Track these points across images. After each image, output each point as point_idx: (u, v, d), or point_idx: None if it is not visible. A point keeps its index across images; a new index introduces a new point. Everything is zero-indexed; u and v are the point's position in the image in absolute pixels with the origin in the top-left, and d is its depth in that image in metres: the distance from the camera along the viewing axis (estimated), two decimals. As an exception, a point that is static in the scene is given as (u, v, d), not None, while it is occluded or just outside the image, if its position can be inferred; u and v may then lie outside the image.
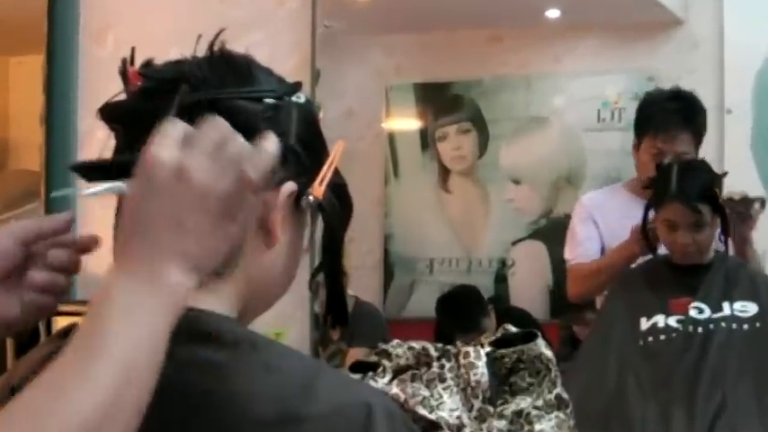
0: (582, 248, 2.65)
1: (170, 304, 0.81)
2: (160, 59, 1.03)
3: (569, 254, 2.69)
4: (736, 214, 2.39)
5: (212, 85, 0.96)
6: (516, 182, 3.65)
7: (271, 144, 0.88)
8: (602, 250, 2.65)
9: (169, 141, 0.83)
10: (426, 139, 3.73)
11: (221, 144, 0.83)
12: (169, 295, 0.80)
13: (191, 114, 0.92)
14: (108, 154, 1.02)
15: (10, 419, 0.73)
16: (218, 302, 0.95)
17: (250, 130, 0.93)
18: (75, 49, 2.76)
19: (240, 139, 0.85)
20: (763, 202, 2.41)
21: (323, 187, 0.99)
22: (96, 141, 2.61)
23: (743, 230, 2.43)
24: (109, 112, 1.00)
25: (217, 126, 0.85)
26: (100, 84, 2.67)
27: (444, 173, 3.69)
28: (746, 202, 2.40)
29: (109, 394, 0.75)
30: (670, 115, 2.55)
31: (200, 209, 0.82)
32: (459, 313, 3.08)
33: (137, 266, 0.80)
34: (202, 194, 0.82)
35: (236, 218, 0.84)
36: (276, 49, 2.54)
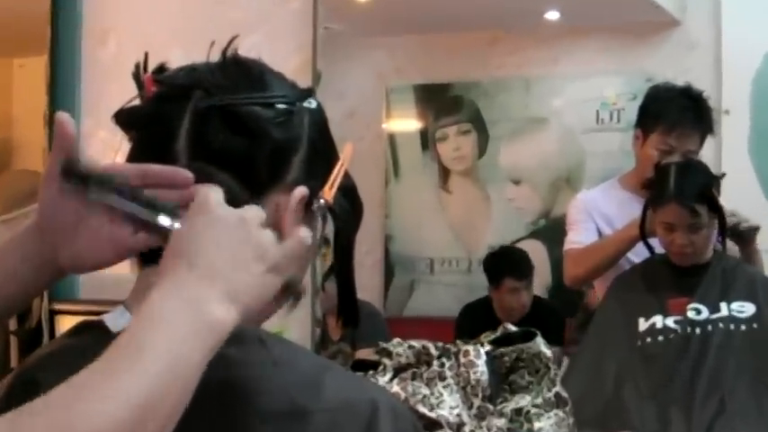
0: (580, 237, 2.62)
1: (208, 333, 0.80)
2: (162, 60, 1.04)
3: (567, 244, 2.65)
4: (740, 238, 2.42)
5: (226, 90, 0.98)
6: (516, 182, 3.66)
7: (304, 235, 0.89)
8: None
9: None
10: (426, 140, 3.74)
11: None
12: (209, 325, 0.80)
13: (205, 120, 0.95)
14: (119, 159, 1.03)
15: (61, 400, 0.74)
16: None
17: (263, 135, 0.96)
18: (77, 50, 2.76)
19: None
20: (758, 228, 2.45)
21: (333, 191, 1.01)
22: (98, 142, 2.63)
23: (749, 253, 2.46)
24: (124, 118, 1.01)
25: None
26: (102, 85, 2.68)
27: (444, 173, 3.70)
28: (753, 230, 2.43)
29: (152, 391, 0.75)
30: (684, 112, 2.52)
31: (256, 255, 0.84)
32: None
33: (184, 289, 0.81)
34: (262, 245, 0.85)
35: (283, 273, 0.86)
36: (277, 50, 2.54)
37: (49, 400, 0.73)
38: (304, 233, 0.89)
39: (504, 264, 3.28)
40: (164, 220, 0.87)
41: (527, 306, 3.17)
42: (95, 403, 0.73)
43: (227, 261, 0.83)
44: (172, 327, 0.79)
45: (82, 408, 0.73)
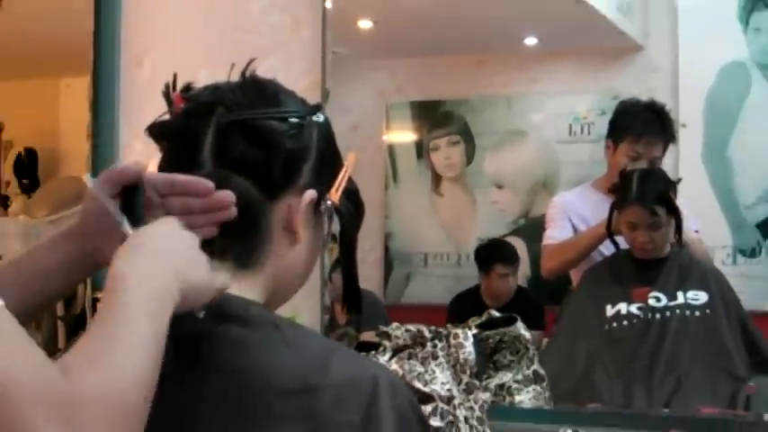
0: (556, 233, 2.64)
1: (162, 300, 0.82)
2: (191, 80, 1.04)
3: (545, 239, 2.67)
4: None
5: (245, 107, 0.98)
6: (499, 186, 3.65)
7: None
8: None
9: None
10: (421, 150, 3.73)
11: None
12: (161, 293, 0.82)
13: (226, 132, 0.95)
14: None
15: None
16: (249, 290, 0.98)
17: (277, 146, 0.95)
18: (116, 71, 2.75)
19: None
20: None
21: (339, 193, 1.01)
22: (135, 153, 2.65)
23: None
24: (157, 130, 1.01)
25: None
26: (138, 102, 2.68)
27: (437, 179, 3.69)
28: None
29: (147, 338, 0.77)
30: (650, 124, 2.55)
31: (193, 260, 0.87)
32: None
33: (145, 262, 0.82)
34: (201, 261, 0.89)
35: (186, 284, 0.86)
36: (291, 72, 2.54)
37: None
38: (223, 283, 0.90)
39: (494, 252, 3.31)
40: (126, 227, 0.92)
41: (513, 291, 3.17)
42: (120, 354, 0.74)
43: (173, 248, 0.85)
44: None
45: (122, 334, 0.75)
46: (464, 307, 3.17)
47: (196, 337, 0.89)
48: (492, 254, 3.31)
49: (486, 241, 3.46)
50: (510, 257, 3.23)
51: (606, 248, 2.49)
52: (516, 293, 3.19)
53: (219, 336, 0.90)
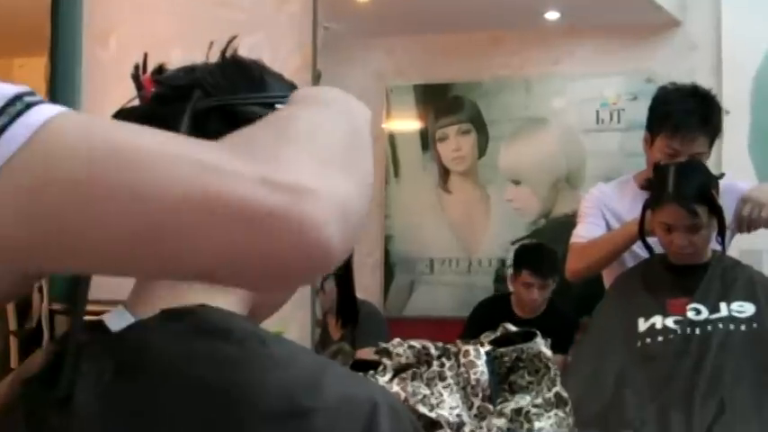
0: (585, 231, 2.61)
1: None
2: (163, 61, 1.05)
3: (573, 237, 2.63)
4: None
5: (225, 90, 0.98)
6: (516, 182, 3.66)
7: None
8: None
9: None
10: (426, 140, 3.75)
11: None
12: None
13: (204, 119, 0.95)
14: None
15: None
16: (230, 301, 0.98)
17: None
18: (78, 51, 2.76)
19: None
20: None
21: None
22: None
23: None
24: (124, 118, 1.01)
25: None
26: (103, 86, 2.69)
27: (444, 173, 3.70)
28: None
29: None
30: (689, 116, 2.48)
31: None
32: None
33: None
34: None
35: None
36: (278, 51, 2.55)
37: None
38: None
39: (528, 256, 3.28)
40: None
41: (537, 303, 3.16)
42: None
43: None
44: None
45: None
46: (487, 318, 3.17)
47: (173, 354, 0.90)
48: (524, 257, 3.29)
49: (531, 244, 3.45)
50: (541, 267, 3.19)
51: (642, 250, 2.48)
52: (547, 309, 3.18)
53: (199, 351, 0.91)
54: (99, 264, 0.71)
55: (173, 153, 0.70)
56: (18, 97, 0.70)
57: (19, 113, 0.69)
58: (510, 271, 3.28)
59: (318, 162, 0.73)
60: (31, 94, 0.71)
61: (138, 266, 0.74)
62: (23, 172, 0.68)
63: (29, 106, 0.70)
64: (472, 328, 2.92)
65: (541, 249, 3.34)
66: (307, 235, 0.68)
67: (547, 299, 3.18)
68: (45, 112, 0.70)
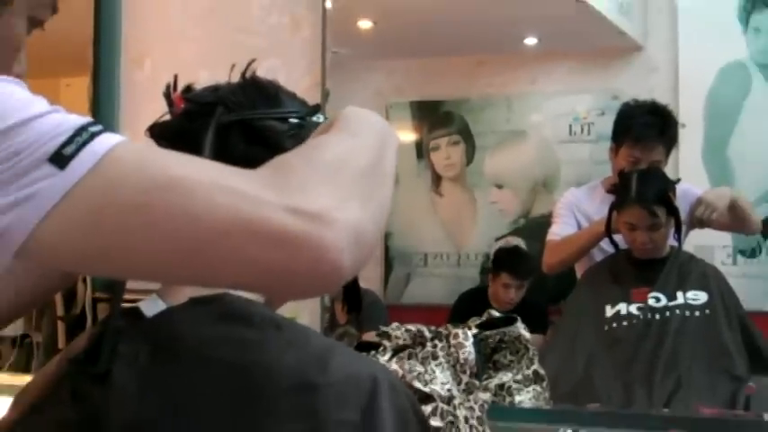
0: (559, 230, 2.63)
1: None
2: (191, 81, 1.05)
3: (549, 234, 2.66)
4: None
5: (245, 107, 0.98)
6: (499, 186, 3.65)
7: None
8: None
9: None
10: (421, 150, 3.74)
11: None
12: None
13: (226, 132, 0.95)
14: None
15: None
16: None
17: (277, 146, 0.96)
18: (117, 72, 2.75)
19: None
20: None
21: None
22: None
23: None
24: (157, 131, 1.01)
25: None
26: (139, 103, 2.68)
27: (437, 179, 3.69)
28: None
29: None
30: (649, 128, 2.52)
31: None
32: None
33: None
34: None
35: None
36: (291, 72, 2.54)
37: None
38: None
39: (507, 259, 3.25)
40: None
41: (514, 301, 3.14)
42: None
43: None
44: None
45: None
46: (469, 307, 3.16)
47: (201, 337, 0.90)
48: (505, 261, 3.25)
49: (511, 246, 3.41)
50: (520, 271, 3.14)
51: (609, 246, 2.49)
52: (521, 302, 3.16)
53: (221, 335, 0.91)
54: (146, 273, 0.72)
55: (216, 182, 0.71)
56: (83, 128, 0.71)
57: (85, 143, 0.70)
58: (490, 273, 3.25)
59: (340, 193, 0.74)
60: (93, 124, 0.72)
61: (180, 276, 0.75)
62: (90, 192, 0.69)
63: (93, 136, 0.71)
64: (455, 316, 2.91)
65: (519, 253, 3.32)
66: (324, 257, 0.70)
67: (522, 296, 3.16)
68: (107, 141, 0.72)
